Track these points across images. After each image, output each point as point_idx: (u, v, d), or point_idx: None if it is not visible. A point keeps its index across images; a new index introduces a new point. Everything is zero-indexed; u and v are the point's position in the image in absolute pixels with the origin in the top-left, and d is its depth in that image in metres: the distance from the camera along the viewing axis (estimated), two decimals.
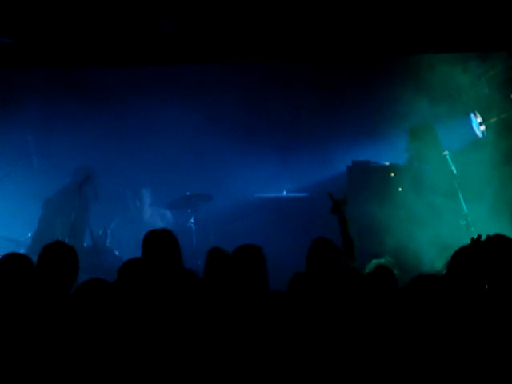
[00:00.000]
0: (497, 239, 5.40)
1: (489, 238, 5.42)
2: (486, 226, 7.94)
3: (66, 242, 7.93)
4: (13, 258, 5.34)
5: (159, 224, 9.73)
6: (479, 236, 5.35)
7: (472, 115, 9.30)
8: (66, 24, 7.81)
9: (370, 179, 9.23)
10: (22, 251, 8.58)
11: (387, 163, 9.37)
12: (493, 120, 9.09)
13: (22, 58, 8.29)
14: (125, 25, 7.87)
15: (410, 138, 9.12)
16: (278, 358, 4.97)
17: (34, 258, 5.39)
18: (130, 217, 10.00)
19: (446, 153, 8.92)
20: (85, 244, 9.41)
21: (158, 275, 5.49)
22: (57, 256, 5.29)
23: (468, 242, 5.32)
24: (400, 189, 9.03)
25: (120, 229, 9.78)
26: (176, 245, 5.83)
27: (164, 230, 5.96)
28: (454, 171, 8.82)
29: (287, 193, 10.38)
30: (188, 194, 9.89)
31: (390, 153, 9.42)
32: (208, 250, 6.26)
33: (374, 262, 5.98)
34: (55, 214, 9.45)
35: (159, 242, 5.78)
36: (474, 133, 9.30)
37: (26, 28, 7.87)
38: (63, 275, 5.23)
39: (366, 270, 6.17)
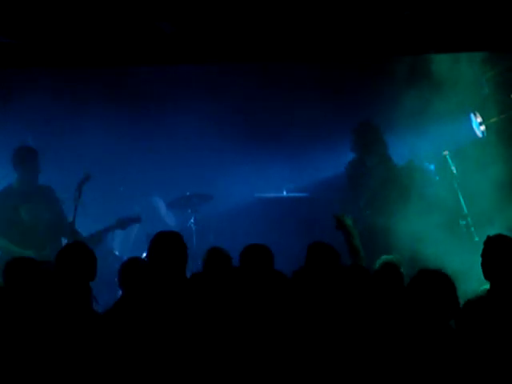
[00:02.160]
0: (498, 239, 5.40)
1: (489, 238, 5.42)
2: (486, 226, 7.95)
3: (66, 242, 7.95)
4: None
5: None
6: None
7: (472, 115, 9.30)
8: (66, 24, 7.81)
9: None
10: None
11: None
12: (493, 120, 9.09)
13: (22, 58, 8.29)
14: (125, 25, 7.87)
15: (355, 138, 9.09)
16: (280, 356, 4.98)
17: None
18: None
19: (445, 153, 8.92)
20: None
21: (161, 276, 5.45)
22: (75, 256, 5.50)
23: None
24: None
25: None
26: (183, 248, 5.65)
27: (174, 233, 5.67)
28: (454, 171, 8.82)
29: (287, 193, 10.37)
30: (188, 194, 9.89)
31: (389, 152, 9.40)
32: (207, 250, 6.26)
33: (384, 257, 6.03)
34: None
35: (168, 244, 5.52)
36: (474, 133, 9.30)
37: (26, 28, 7.87)
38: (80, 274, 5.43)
39: (376, 266, 6.22)
